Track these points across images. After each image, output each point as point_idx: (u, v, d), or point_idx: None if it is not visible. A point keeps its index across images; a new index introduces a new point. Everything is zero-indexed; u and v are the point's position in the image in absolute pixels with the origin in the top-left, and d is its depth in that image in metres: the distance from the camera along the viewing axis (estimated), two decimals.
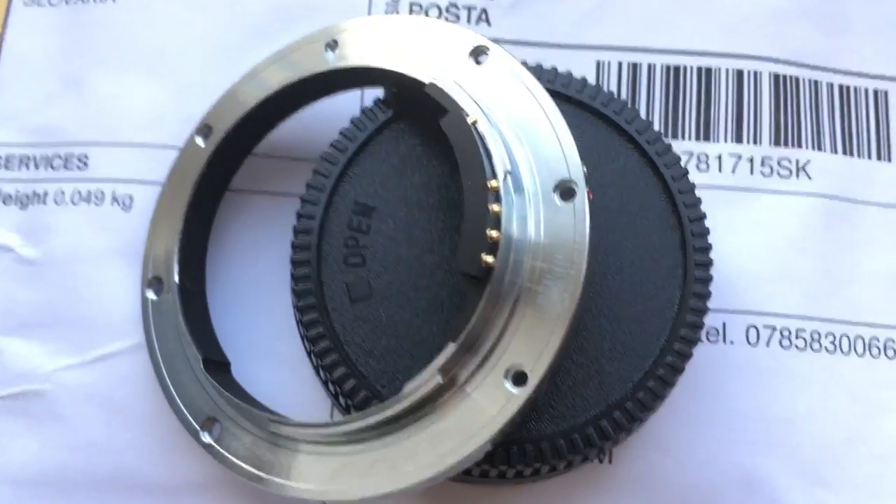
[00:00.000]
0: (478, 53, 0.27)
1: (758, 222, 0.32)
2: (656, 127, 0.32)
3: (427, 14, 0.34)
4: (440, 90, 0.26)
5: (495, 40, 0.28)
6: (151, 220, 0.31)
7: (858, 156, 0.33)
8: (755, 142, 0.33)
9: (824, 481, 0.29)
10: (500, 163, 0.25)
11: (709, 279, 0.27)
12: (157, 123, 0.33)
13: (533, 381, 0.24)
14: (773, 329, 0.31)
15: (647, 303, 0.27)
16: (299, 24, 0.32)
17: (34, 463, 0.30)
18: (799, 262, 0.31)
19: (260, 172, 0.32)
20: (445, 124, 0.26)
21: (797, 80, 0.33)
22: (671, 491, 0.29)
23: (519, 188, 0.25)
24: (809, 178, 0.32)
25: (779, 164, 0.32)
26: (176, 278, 0.29)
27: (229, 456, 0.27)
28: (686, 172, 0.28)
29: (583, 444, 0.26)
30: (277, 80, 0.30)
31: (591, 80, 0.33)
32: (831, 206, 0.32)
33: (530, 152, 0.26)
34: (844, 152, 0.33)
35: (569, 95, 0.29)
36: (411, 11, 0.34)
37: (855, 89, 0.33)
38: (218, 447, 0.28)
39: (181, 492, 0.30)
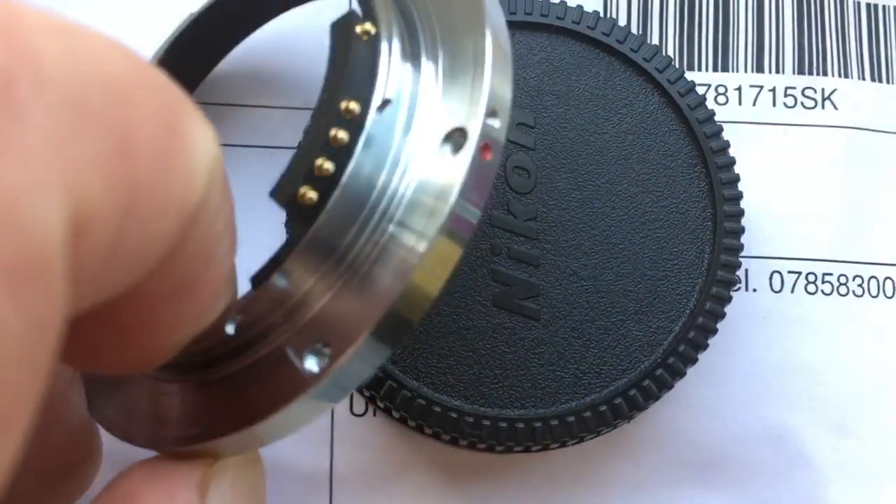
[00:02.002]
0: None
1: (780, 159, 0.29)
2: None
3: None
4: None
5: None
6: None
7: (888, 81, 0.30)
8: (777, 70, 0.30)
9: (853, 432, 0.28)
10: (381, 89, 0.19)
11: (740, 231, 0.25)
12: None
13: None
14: (799, 274, 0.29)
15: (674, 259, 0.25)
16: None
17: None
18: (824, 200, 0.29)
19: (255, 124, 0.29)
20: (336, 25, 0.19)
21: None
22: (696, 449, 0.28)
23: (408, 129, 0.19)
24: (836, 108, 0.30)
25: (803, 93, 0.30)
26: None
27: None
28: (713, 114, 0.26)
29: (612, 417, 0.24)
30: None
31: (598, 5, 0.29)
32: (859, 139, 0.30)
33: (441, 91, 0.19)
34: (873, 79, 0.30)
35: (580, 32, 0.26)
36: None
37: (884, 8, 0.30)
38: None
39: None
